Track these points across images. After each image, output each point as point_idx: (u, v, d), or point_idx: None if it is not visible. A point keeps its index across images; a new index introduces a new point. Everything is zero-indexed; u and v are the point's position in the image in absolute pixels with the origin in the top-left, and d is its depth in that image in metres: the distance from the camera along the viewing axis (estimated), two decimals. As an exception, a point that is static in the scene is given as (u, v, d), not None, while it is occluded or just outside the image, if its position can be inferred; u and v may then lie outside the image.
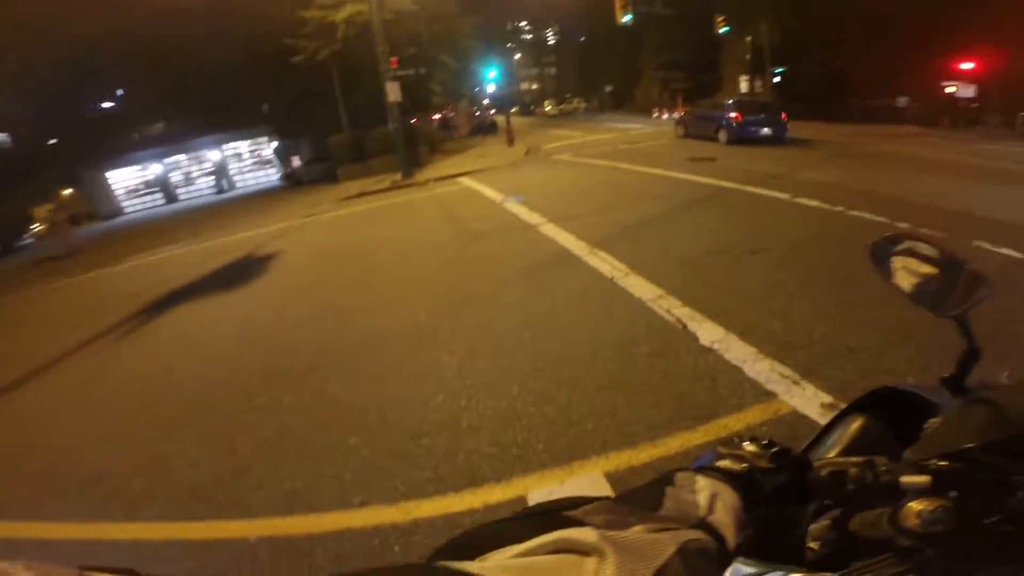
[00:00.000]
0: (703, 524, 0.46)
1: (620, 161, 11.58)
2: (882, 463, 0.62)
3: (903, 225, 5.34)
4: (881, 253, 0.84)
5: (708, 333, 3.39)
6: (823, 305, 3.60)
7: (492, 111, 30.54)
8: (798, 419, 2.46)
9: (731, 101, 14.86)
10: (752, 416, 2.52)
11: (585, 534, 0.33)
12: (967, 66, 21.95)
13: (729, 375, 2.92)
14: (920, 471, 0.59)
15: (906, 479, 0.59)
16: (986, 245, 4.66)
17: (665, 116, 30.05)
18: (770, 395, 2.67)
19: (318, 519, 2.25)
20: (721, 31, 30.31)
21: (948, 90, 22.25)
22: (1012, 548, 0.58)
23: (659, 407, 2.67)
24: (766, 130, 13.47)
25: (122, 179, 26.32)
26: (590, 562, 0.31)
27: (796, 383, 2.74)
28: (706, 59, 37.04)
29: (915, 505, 0.57)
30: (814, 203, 6.44)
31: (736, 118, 13.36)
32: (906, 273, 0.82)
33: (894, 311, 3.17)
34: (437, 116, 26.29)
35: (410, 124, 18.93)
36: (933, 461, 0.61)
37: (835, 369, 2.83)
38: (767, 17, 29.08)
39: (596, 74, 47.48)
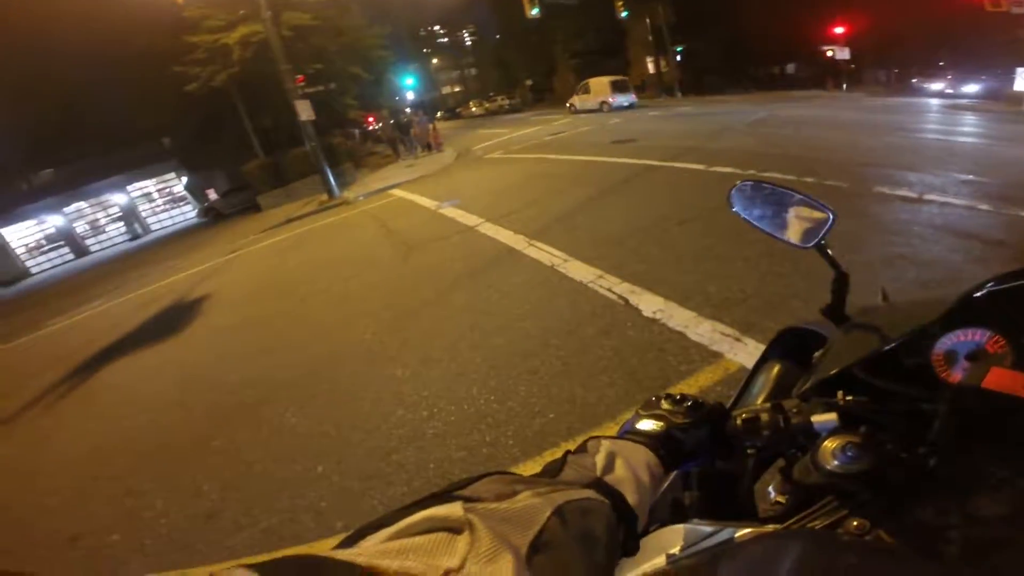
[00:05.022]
0: (596, 483, 0.46)
1: (547, 152, 11.73)
2: (792, 405, 0.62)
3: (809, 180, 5.79)
4: (739, 200, 0.88)
5: (649, 304, 3.51)
6: (753, 261, 3.81)
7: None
8: (746, 375, 2.60)
9: None
10: (703, 378, 2.62)
11: (452, 510, 0.32)
12: (839, 30, 23.88)
13: (675, 342, 3.02)
14: (828, 408, 0.59)
15: (816, 418, 0.58)
16: (885, 190, 5.13)
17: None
18: (716, 355, 2.79)
19: (307, 550, 2.15)
20: (623, 15, 31.39)
21: (828, 54, 24.17)
22: (941, 481, 0.57)
23: (614, 385, 2.73)
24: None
25: (18, 237, 23.29)
26: (462, 538, 0.30)
27: (738, 339, 2.89)
28: (613, 44, 38.32)
29: (829, 444, 0.57)
30: (729, 170, 6.82)
31: None
32: (764, 214, 0.86)
33: (814, 255, 3.42)
34: (370, 126, 25.17)
35: (335, 140, 18.27)
36: (839, 397, 0.61)
37: (770, 320, 2.99)
38: None
39: (515, 70, 47.96)
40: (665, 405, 0.62)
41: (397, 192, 11.48)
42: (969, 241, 3.70)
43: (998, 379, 0.52)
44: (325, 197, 13.62)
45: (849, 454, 0.56)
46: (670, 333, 3.13)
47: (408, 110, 31.23)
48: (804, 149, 7.86)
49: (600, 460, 0.49)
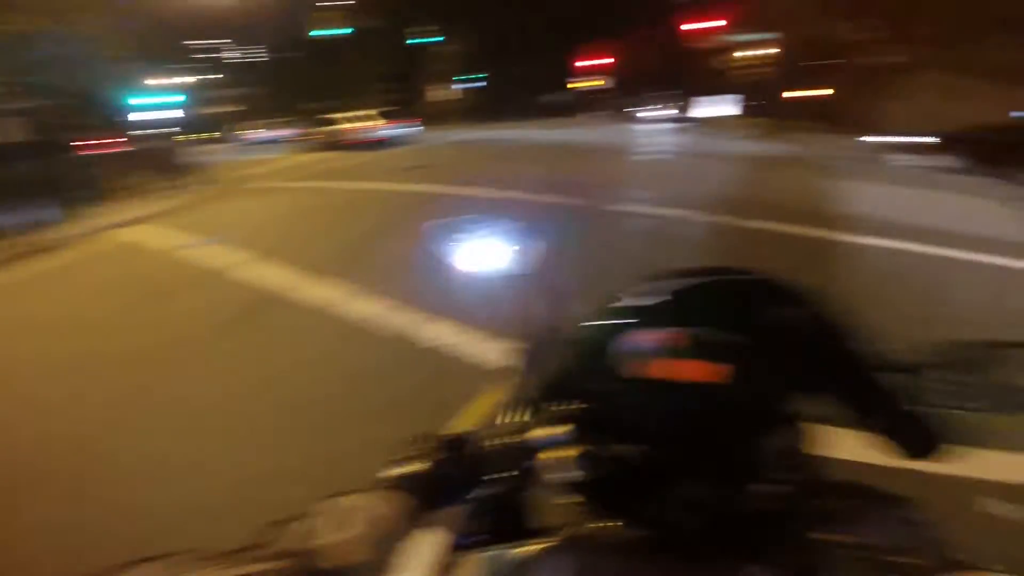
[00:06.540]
0: (305, 552, 0.42)
1: (331, 180, 11.11)
2: (521, 423, 0.64)
3: (558, 200, 6.64)
4: (439, 236, 0.87)
5: (442, 332, 3.52)
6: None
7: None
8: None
9: None
10: (489, 399, 2.66)
11: None
12: (600, 62, 28.90)
13: (472, 366, 3.08)
14: (549, 421, 0.61)
15: (540, 432, 0.60)
16: (617, 207, 6.15)
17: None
18: (499, 374, 2.90)
19: None
20: (423, 40, 32.29)
21: (591, 83, 28.94)
22: (657, 473, 0.60)
23: (414, 420, 2.60)
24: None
25: None
26: None
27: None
28: (415, 68, 39.10)
29: (553, 456, 0.59)
30: (515, 194, 7.30)
31: None
32: (469, 250, 0.87)
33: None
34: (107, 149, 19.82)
35: (65, 159, 14.29)
36: (556, 407, 0.62)
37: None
38: (464, 27, 32.35)
39: (310, 90, 45.29)
40: (415, 445, 0.60)
41: (141, 227, 9.31)
42: (672, 243, 4.60)
43: (660, 368, 0.57)
44: (36, 237, 10.46)
45: (572, 463, 0.58)
46: (466, 358, 3.17)
47: (164, 131, 26.69)
48: (562, 172, 9.05)
49: (320, 523, 0.45)
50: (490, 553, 0.66)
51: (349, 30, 24.55)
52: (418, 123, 18.94)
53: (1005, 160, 11.07)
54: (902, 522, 0.55)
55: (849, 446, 0.63)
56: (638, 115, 28.70)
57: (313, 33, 24.37)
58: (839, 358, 0.61)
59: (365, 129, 17.04)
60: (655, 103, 29.47)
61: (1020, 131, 12.16)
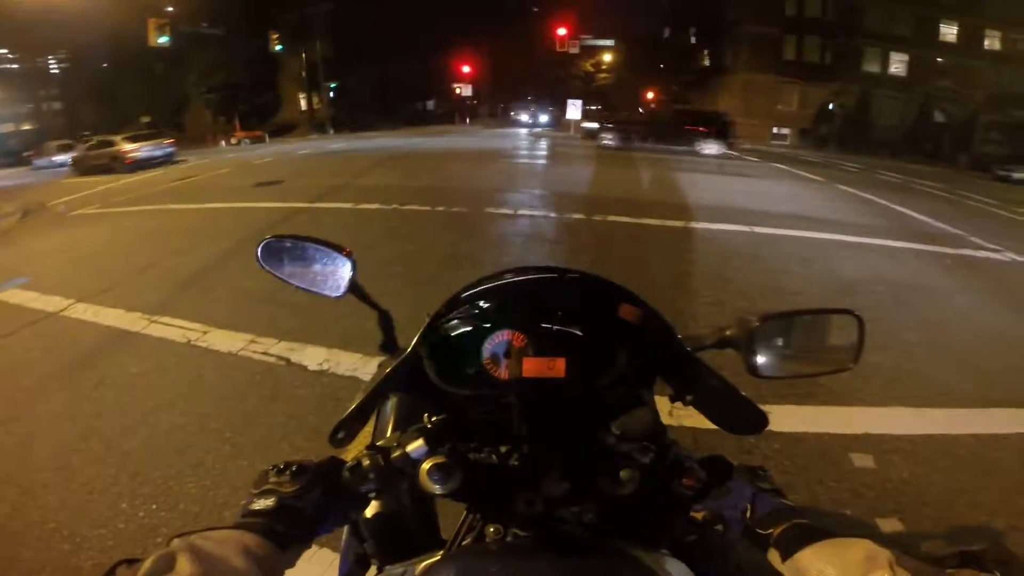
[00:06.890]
0: None
1: (169, 201, 9.73)
2: (393, 440, 0.61)
3: (440, 208, 6.73)
4: (267, 257, 0.85)
5: (313, 357, 3.33)
6: (405, 295, 4.02)
7: None
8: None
9: None
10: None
11: None
12: (466, 69, 29.28)
13: (350, 387, 2.94)
14: (417, 435, 0.59)
15: (411, 448, 0.59)
16: (492, 210, 6.40)
17: (223, 144, 27.73)
18: (397, 388, 2.86)
19: None
20: (277, 49, 29.58)
21: (457, 91, 29.16)
22: (529, 472, 0.61)
23: (301, 449, 2.44)
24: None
25: None
26: None
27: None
28: (264, 78, 35.75)
29: (424, 468, 0.58)
30: (375, 206, 7.24)
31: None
32: (294, 270, 0.86)
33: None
34: None
35: None
36: (425, 419, 0.61)
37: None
38: (320, 33, 30.39)
39: (127, 104, 38.89)
40: (272, 478, 0.58)
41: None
42: (543, 242, 4.96)
43: (529, 367, 0.59)
44: None
45: (441, 474, 0.57)
46: (342, 380, 3.05)
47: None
48: (437, 180, 9.11)
49: (175, 560, 0.42)
50: (381, 573, 0.66)
51: (166, 39, 21.94)
52: (170, 143, 18.69)
53: (645, 138, 17.27)
54: (761, 492, 0.59)
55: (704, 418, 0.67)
56: (505, 120, 29.85)
57: (161, 40, 21.38)
58: (664, 345, 0.66)
59: (134, 149, 16.92)
60: (522, 109, 30.90)
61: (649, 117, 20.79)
